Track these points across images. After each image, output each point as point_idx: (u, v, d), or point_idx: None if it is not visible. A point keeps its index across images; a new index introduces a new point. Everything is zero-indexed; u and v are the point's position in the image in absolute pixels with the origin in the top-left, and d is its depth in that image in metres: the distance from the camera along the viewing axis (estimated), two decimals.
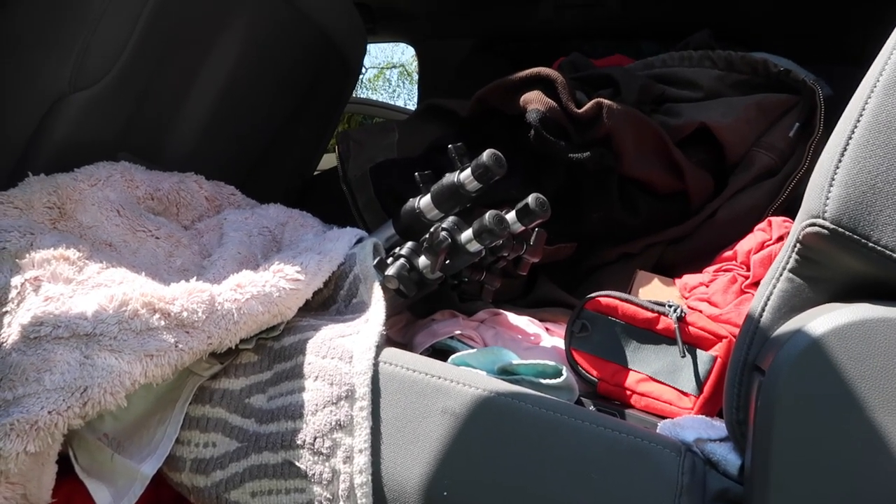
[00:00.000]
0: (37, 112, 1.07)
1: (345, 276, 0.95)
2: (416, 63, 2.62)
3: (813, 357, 0.64)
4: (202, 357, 0.82)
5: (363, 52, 1.71)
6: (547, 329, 1.03)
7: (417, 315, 1.09)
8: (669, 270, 1.09)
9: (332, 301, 0.97)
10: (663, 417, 0.85)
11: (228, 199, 1.23)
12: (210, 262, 0.99)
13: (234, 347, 0.84)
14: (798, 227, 0.69)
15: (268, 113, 1.49)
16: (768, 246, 0.95)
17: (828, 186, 0.67)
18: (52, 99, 1.07)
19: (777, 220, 0.98)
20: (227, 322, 0.82)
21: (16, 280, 0.82)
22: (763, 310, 0.73)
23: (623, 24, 1.82)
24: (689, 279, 0.99)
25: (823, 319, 0.65)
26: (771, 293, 0.73)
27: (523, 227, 0.93)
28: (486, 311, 1.04)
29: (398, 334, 1.04)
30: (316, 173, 1.86)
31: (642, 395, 0.87)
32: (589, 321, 0.90)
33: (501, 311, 1.04)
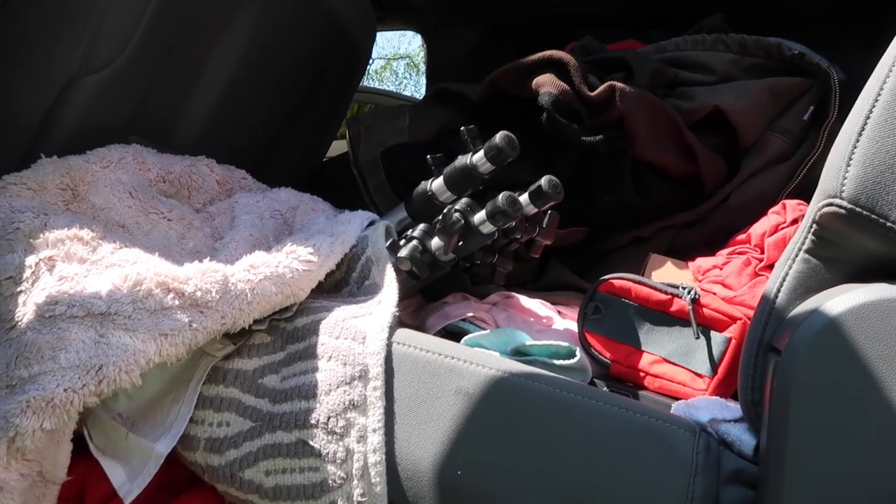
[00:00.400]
0: (48, 95, 1.06)
1: (357, 258, 0.95)
2: (422, 54, 2.60)
3: (830, 337, 0.64)
4: (216, 337, 0.83)
5: (373, 37, 1.70)
6: (559, 312, 1.02)
7: (429, 299, 1.09)
8: (681, 255, 1.08)
9: (344, 283, 0.97)
10: (677, 399, 0.84)
11: (239, 182, 1.23)
12: (222, 245, 0.99)
13: (247, 328, 0.84)
14: (814, 207, 0.69)
15: (278, 99, 1.49)
16: (782, 229, 0.94)
17: (845, 166, 0.66)
18: (63, 82, 1.07)
19: (791, 203, 0.98)
20: (241, 302, 0.82)
21: (30, 260, 0.82)
22: (778, 291, 0.73)
23: (631, 12, 1.81)
24: (703, 262, 0.99)
25: (840, 299, 0.65)
26: (787, 274, 0.73)
27: (536, 210, 0.93)
28: (497, 293, 1.04)
29: (410, 317, 1.04)
30: (325, 160, 1.86)
31: (656, 376, 0.87)
32: (602, 303, 0.90)
33: (513, 293, 1.03)
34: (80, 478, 0.84)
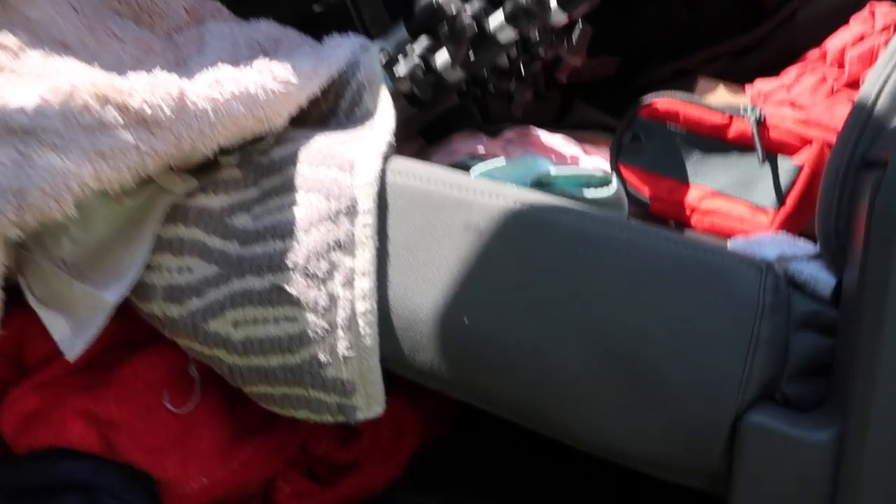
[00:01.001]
0: None
1: (346, 83, 0.80)
2: None
3: None
4: (171, 166, 0.69)
5: None
6: (585, 151, 0.87)
7: (432, 141, 0.94)
8: None
9: (332, 115, 0.82)
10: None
11: (213, 14, 1.05)
12: (186, 70, 0.83)
13: (212, 159, 0.70)
14: None
15: None
16: (869, 38, 0.77)
17: None
18: None
19: (883, 8, 0.79)
20: (202, 123, 0.67)
21: None
22: (878, 96, 0.58)
23: None
24: (764, 84, 0.81)
25: None
26: (889, 75, 0.58)
27: (565, 19, 0.76)
28: (513, 129, 0.88)
29: None
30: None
31: (706, 212, 0.72)
32: (642, 130, 0.74)
33: (532, 128, 0.88)
34: (17, 332, 0.73)
